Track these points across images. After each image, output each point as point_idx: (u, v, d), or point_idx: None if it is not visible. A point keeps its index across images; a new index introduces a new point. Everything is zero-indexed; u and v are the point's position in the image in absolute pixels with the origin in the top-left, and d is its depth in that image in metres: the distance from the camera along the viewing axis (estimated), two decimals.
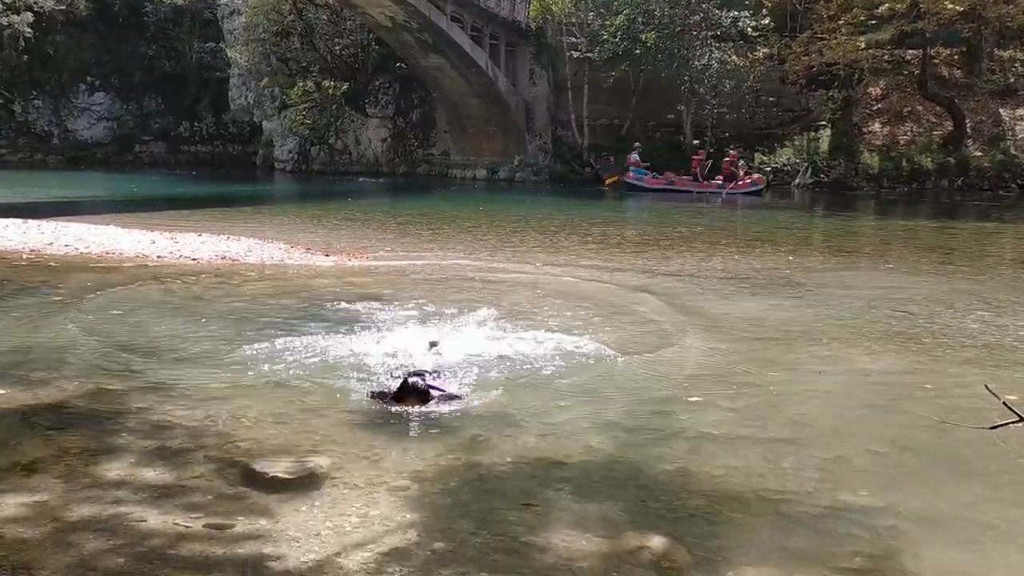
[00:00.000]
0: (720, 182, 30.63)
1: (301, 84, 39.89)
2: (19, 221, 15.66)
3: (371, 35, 38.65)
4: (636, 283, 11.23)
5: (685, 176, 31.75)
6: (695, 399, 6.11)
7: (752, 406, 5.98)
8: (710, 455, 5.02)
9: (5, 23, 42.15)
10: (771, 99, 36.43)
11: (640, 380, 6.60)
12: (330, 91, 39.85)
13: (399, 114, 41.46)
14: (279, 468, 4.61)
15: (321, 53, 40.96)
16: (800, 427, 5.57)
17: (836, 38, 32.53)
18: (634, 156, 32.96)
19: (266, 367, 6.64)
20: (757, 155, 34.75)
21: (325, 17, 40.40)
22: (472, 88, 36.62)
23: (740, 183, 30.57)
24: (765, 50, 34.99)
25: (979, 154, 32.64)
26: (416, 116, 41.47)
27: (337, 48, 40.84)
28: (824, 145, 34.57)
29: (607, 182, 33.31)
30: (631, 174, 32.07)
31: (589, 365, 6.94)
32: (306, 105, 39.97)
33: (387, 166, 40.87)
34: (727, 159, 31.37)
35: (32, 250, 12.85)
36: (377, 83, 41.29)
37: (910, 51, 34.94)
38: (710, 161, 31.91)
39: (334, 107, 40.26)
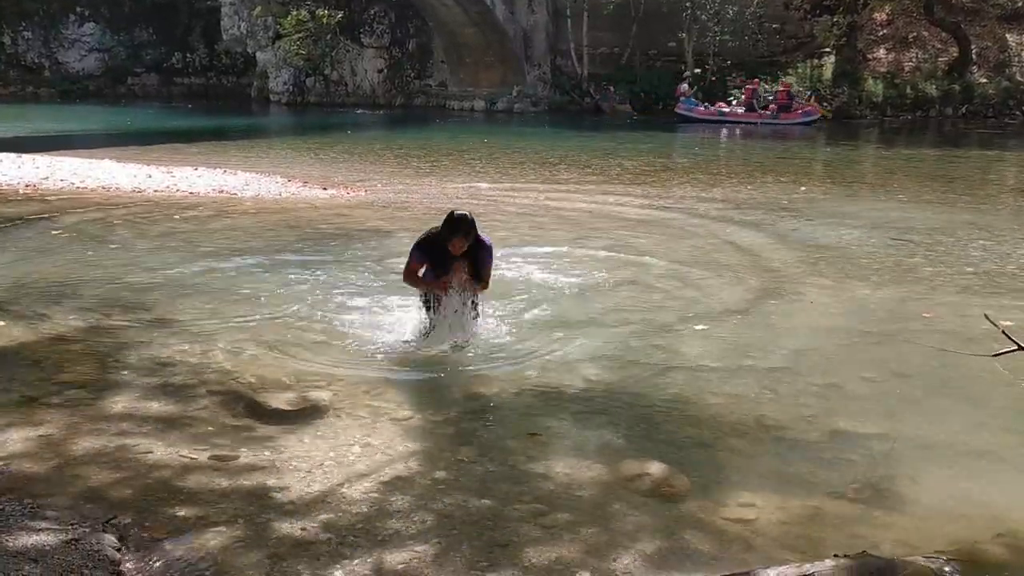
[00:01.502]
0: (774, 111, 29.66)
1: (295, 13, 38.99)
2: (13, 155, 15.51)
3: None
4: (638, 215, 11.19)
5: (737, 107, 30.77)
6: (699, 328, 6.13)
7: (749, 335, 6.00)
8: (709, 384, 5.05)
9: None
10: (775, 26, 35.71)
11: (643, 310, 6.61)
12: (324, 20, 38.98)
13: (395, 44, 40.70)
14: (281, 400, 4.65)
15: None
16: (797, 356, 5.60)
17: None
18: (684, 86, 31.95)
19: (265, 301, 6.64)
20: (762, 84, 34.20)
21: None
22: (469, 16, 35.86)
23: (794, 112, 29.59)
24: None
25: (984, 81, 32.16)
26: (412, 46, 40.72)
27: None
28: (827, 73, 34.03)
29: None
30: (681, 105, 31.09)
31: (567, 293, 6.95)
32: (300, 35, 39.15)
33: (384, 97, 40.29)
34: (782, 88, 30.30)
35: (28, 185, 12.76)
36: (372, 12, 40.43)
37: None
38: (764, 92, 30.83)
39: (329, 37, 39.45)
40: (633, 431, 4.41)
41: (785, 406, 4.73)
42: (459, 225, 5.22)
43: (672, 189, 13.86)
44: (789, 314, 6.58)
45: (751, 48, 35.53)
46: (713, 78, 35.36)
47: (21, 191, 12.29)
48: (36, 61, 45.44)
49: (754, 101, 30.34)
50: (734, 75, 34.97)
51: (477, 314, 5.63)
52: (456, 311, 5.45)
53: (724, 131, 27.68)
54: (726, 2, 34.47)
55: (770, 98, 30.41)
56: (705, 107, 31.10)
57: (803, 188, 14.01)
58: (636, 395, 4.89)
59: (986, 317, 4.33)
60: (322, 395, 4.73)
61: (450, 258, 5.29)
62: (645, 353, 5.62)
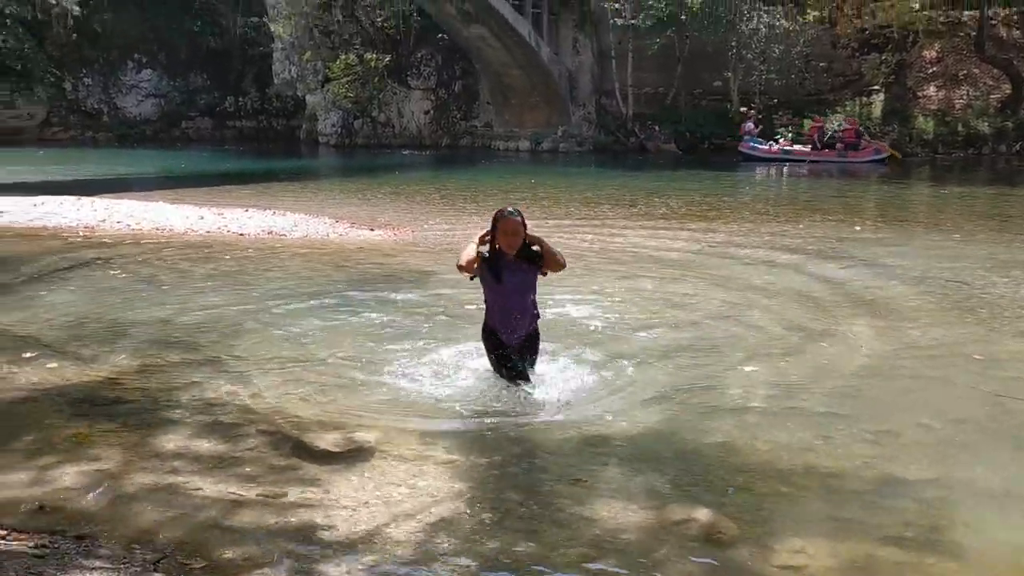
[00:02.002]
0: (841, 150, 28.98)
1: (343, 57, 39.98)
2: (73, 198, 16.02)
3: (413, 5, 38.54)
4: (684, 255, 11.14)
5: (802, 145, 30.15)
6: (747, 369, 6.06)
7: (798, 378, 5.90)
8: (757, 427, 4.98)
9: (53, 2, 42.82)
10: (821, 64, 35.60)
11: (689, 351, 6.55)
12: (372, 63, 39.88)
13: (441, 86, 41.38)
14: (328, 441, 4.68)
15: (363, 25, 40.95)
16: (848, 399, 5.49)
17: (890, 0, 31.63)
18: (748, 124, 31.55)
19: (313, 342, 6.73)
20: (807, 121, 34.06)
21: None
22: (514, 58, 36.37)
23: (864, 151, 28.88)
24: (815, 13, 34.15)
25: None
26: (458, 87, 41.37)
27: (379, 20, 40.80)
28: (877, 110, 33.74)
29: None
30: (746, 143, 30.70)
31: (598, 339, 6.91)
32: (349, 78, 40.06)
33: (430, 138, 40.89)
34: (849, 126, 29.66)
35: (86, 227, 13.15)
36: (419, 55, 41.23)
37: (966, 12, 33.83)
38: (829, 130, 30.13)
39: (376, 80, 40.30)
40: (680, 476, 4.36)
41: (836, 450, 4.64)
42: (508, 215, 5.22)
43: (718, 229, 13.79)
44: (839, 356, 6.47)
45: (798, 86, 35.42)
46: (760, 116, 35.28)
47: (80, 233, 12.67)
48: (95, 106, 47.13)
49: (819, 139, 29.68)
50: (780, 113, 34.88)
51: (537, 314, 5.54)
52: (517, 316, 5.37)
53: (785, 169, 27.29)
54: (772, 41, 34.49)
55: (837, 136, 29.71)
56: (769, 145, 30.62)
57: (858, 228, 13.80)
58: (683, 439, 4.83)
59: None
60: (368, 436, 4.76)
61: (505, 263, 5.25)
62: (691, 396, 5.56)
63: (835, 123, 30.88)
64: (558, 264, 5.29)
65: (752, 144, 30.65)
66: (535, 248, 5.26)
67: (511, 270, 5.27)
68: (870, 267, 10.19)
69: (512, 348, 5.42)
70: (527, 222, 5.31)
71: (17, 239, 12.11)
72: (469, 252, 5.26)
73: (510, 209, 5.29)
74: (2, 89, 42.15)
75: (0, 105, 43.24)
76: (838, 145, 29.26)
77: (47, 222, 13.57)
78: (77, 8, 43.25)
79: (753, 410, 5.28)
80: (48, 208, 14.75)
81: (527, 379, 5.44)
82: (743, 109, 33.72)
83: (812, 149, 29.61)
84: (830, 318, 7.63)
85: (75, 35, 44.40)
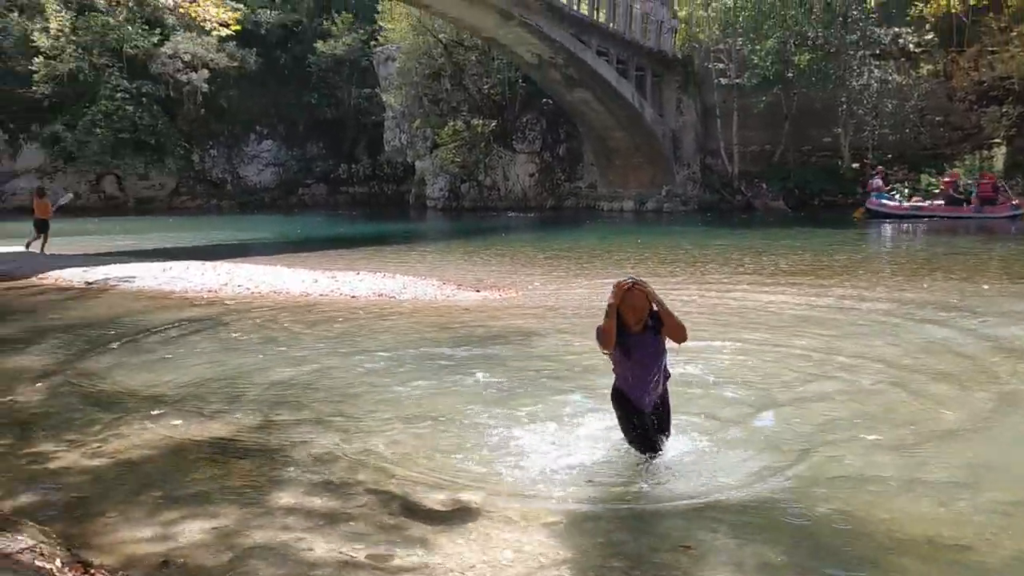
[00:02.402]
0: (977, 205, 27.70)
1: (451, 124, 41.30)
2: (198, 263, 16.92)
3: (518, 73, 39.57)
4: (794, 312, 10.85)
5: (934, 201, 28.91)
6: (869, 437, 5.80)
7: (923, 446, 5.61)
8: (879, 497, 4.74)
9: (185, 80, 46.00)
10: (938, 118, 34.52)
11: (801, 412, 6.34)
12: (479, 129, 41.04)
13: (546, 148, 42.11)
14: (434, 501, 4.73)
15: (470, 93, 42.27)
16: (979, 469, 5.18)
17: (1008, 51, 30.55)
18: (877, 181, 30.49)
19: (422, 401, 6.84)
20: (924, 176, 32.95)
21: (474, 58, 41.75)
22: (618, 120, 36.72)
23: (1001, 206, 27.42)
24: (929, 67, 33.27)
25: None
26: (563, 150, 42.00)
27: (485, 87, 42.05)
28: (999, 164, 32.37)
29: (856, 214, 29.76)
30: (874, 200, 29.69)
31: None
32: (456, 144, 41.30)
33: (535, 200, 41.49)
34: (986, 180, 28.30)
35: (210, 290, 13.85)
36: (524, 119, 42.16)
37: None
38: (964, 184, 28.92)
39: (483, 144, 41.39)
40: (795, 548, 4.18)
41: (962, 524, 4.37)
42: (631, 288, 5.02)
43: (830, 287, 13.38)
44: (965, 423, 6.12)
45: (913, 141, 34.41)
46: (873, 172, 34.37)
47: (204, 296, 13.35)
48: (220, 176, 50.06)
49: (954, 193, 28.40)
50: (895, 168, 33.89)
51: (668, 374, 5.36)
52: (650, 382, 5.19)
53: (914, 226, 26.34)
54: (884, 96, 33.70)
55: (973, 190, 28.31)
56: (899, 201, 29.56)
57: (986, 286, 13.14)
58: (799, 508, 4.65)
59: None
60: (474, 497, 4.78)
61: (633, 337, 5.09)
62: (808, 461, 5.36)
63: (964, 178, 29.58)
64: (679, 336, 5.09)
65: (881, 200, 29.50)
66: (654, 308, 5.10)
67: (640, 344, 5.11)
68: (996, 327, 9.66)
69: (646, 414, 5.27)
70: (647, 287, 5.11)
71: (147, 302, 12.86)
72: (609, 331, 5.05)
73: (632, 280, 5.07)
74: (137, 162, 45.31)
75: (135, 177, 46.49)
76: (973, 200, 27.81)
77: (174, 286, 14.35)
78: (206, 86, 46.35)
79: (874, 478, 5.04)
80: (175, 273, 15.62)
81: (656, 450, 5.25)
82: (871, 164, 32.61)
83: (946, 204, 28.19)
84: (953, 381, 7.26)
85: (203, 110, 47.46)
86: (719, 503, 4.70)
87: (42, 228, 20.19)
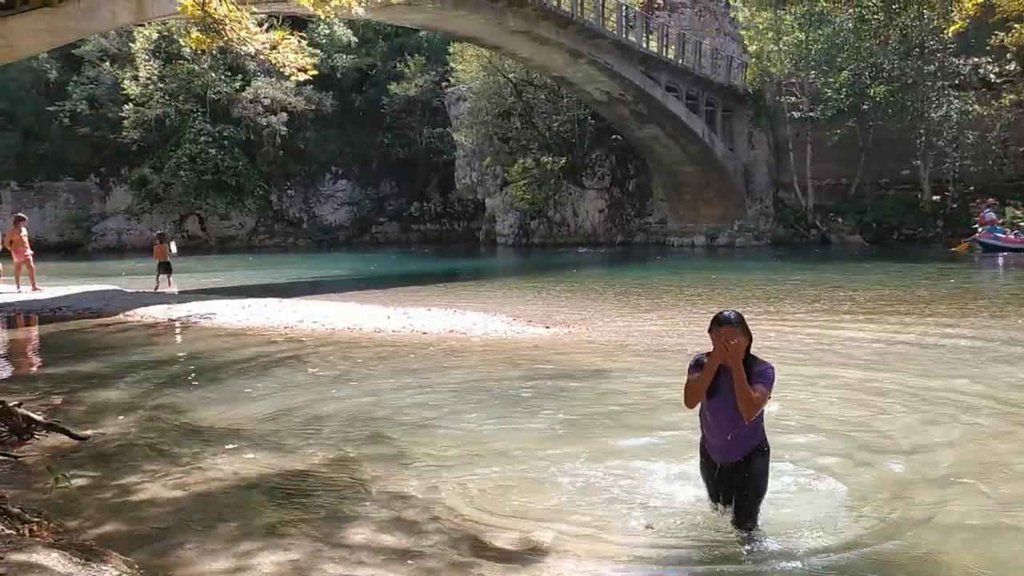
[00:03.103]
0: None
1: (521, 161, 41.68)
2: (275, 300, 17.36)
3: (587, 110, 39.79)
4: (874, 350, 10.55)
5: None
6: (952, 477, 5.59)
7: (1013, 486, 5.37)
8: (967, 542, 4.55)
9: (264, 123, 47.59)
10: (1021, 148, 33.40)
11: (890, 452, 6.14)
12: (548, 166, 41.30)
13: (615, 184, 42.10)
14: (504, 540, 4.71)
15: (540, 130, 42.66)
16: None
17: None
18: (989, 213, 29.45)
19: (492, 438, 6.86)
20: (1009, 208, 31.81)
21: (543, 96, 42.15)
22: (688, 155, 36.54)
23: None
24: (1012, 96, 32.25)
25: None
26: (632, 186, 41.93)
27: (554, 125, 42.38)
28: None
29: (960, 248, 28.90)
30: (986, 232, 28.48)
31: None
32: (526, 181, 41.62)
33: (604, 236, 41.43)
34: None
35: (286, 327, 14.18)
36: (593, 156, 42.29)
37: None
38: None
39: (552, 181, 41.62)
40: None
41: None
42: (723, 319, 4.54)
43: (910, 324, 12.98)
44: None
45: (996, 172, 33.32)
46: (954, 204, 33.44)
47: (281, 332, 13.67)
48: (296, 215, 51.42)
49: None
50: (978, 201, 32.83)
51: (761, 439, 4.72)
52: (728, 435, 4.64)
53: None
54: (965, 127, 32.77)
55: None
56: (1016, 235, 28.29)
57: None
58: (884, 556, 4.49)
59: None
60: (545, 536, 4.75)
61: (723, 376, 4.56)
62: (891, 506, 5.18)
63: None
64: (748, 406, 4.46)
65: (996, 234, 28.22)
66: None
67: (727, 387, 4.56)
68: None
69: (722, 468, 4.75)
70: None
71: (227, 338, 13.23)
72: (697, 392, 4.65)
73: (726, 313, 4.61)
74: (219, 203, 46.90)
75: (216, 216, 48.11)
76: None
77: (252, 322, 14.74)
78: (284, 128, 47.85)
79: (963, 525, 4.84)
80: (253, 310, 16.05)
81: (719, 501, 4.84)
82: (983, 199, 31.34)
83: None
84: None
85: (281, 152, 48.96)
86: (798, 549, 4.57)
87: (163, 269, 22.21)
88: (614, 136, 40.47)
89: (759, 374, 4.53)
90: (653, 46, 34.50)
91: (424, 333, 13.11)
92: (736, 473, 4.68)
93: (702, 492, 5.03)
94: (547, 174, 41.48)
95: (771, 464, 4.83)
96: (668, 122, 34.66)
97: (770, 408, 7.35)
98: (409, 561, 4.48)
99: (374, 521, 5.09)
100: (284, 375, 9.98)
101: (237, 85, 47.10)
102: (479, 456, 6.39)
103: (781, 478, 5.47)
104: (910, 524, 4.87)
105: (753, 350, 4.65)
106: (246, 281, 24.98)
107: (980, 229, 28.65)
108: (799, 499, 5.30)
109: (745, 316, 4.67)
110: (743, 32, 36.60)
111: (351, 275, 28.04)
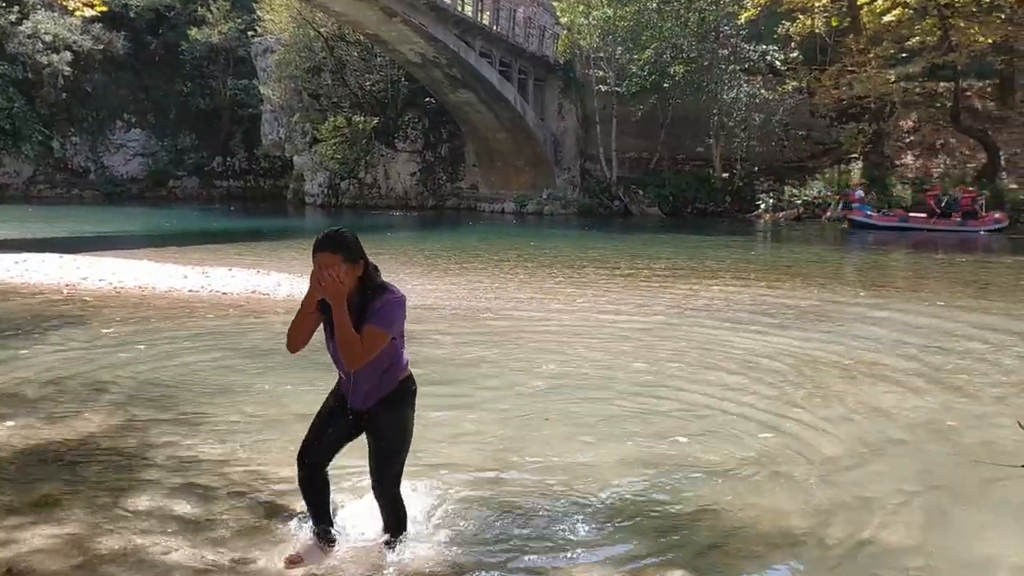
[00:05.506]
0: (959, 219, 28.35)
1: (332, 119, 40.57)
2: (56, 256, 15.99)
3: (401, 71, 39.29)
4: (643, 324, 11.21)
5: (919, 213, 29.35)
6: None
7: (774, 443, 5.90)
8: (736, 491, 4.95)
9: (45, 62, 43.38)
10: (801, 132, 36.49)
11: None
12: (360, 126, 40.48)
13: (428, 148, 41.98)
14: (302, 504, 4.61)
15: (352, 89, 41.67)
16: (828, 465, 5.48)
17: (866, 71, 32.54)
18: (859, 192, 31.01)
19: (293, 400, 6.68)
20: (787, 188, 34.75)
21: (356, 54, 41.16)
22: (501, 122, 37.01)
23: (984, 220, 28.33)
24: (794, 83, 35.09)
25: (1014, 187, 32.30)
26: (445, 150, 41.97)
27: (367, 84, 41.54)
28: (855, 178, 34.46)
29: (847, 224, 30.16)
30: (858, 211, 29.80)
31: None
32: (336, 140, 40.60)
33: (416, 200, 41.29)
34: (967, 195, 29.13)
35: (68, 284, 13.10)
36: (406, 118, 41.90)
37: (942, 83, 34.85)
38: (946, 197, 29.42)
39: (364, 142, 40.86)
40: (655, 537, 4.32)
41: (810, 516, 4.62)
42: (317, 243, 3.73)
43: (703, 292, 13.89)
44: (815, 424, 6.47)
45: (779, 153, 36.20)
46: (741, 183, 35.97)
47: (63, 291, 12.61)
48: (83, 165, 47.38)
49: (933, 207, 28.95)
50: (762, 180, 35.61)
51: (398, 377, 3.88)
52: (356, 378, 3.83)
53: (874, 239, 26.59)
54: (753, 109, 35.29)
55: (954, 204, 29.00)
56: (883, 213, 29.87)
57: (863, 293, 13.90)
58: (658, 499, 4.81)
59: (1020, 425, 4.25)
60: (344, 496, 4.70)
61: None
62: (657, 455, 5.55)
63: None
64: (347, 350, 3.67)
65: (867, 212, 29.70)
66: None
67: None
68: (848, 331, 10.25)
69: (356, 413, 3.94)
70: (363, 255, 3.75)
71: None
72: (290, 328, 3.86)
73: (321, 236, 3.76)
74: None
75: None
76: (954, 215, 28.64)
77: (28, 279, 13.51)
78: (68, 69, 43.79)
79: (731, 474, 5.26)
80: (30, 265, 14.71)
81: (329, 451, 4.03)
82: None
83: (929, 217, 28.90)
84: (808, 382, 7.66)
85: (65, 95, 44.86)
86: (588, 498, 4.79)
87: None
88: (428, 99, 40.26)
89: (374, 310, 3.69)
90: (468, 11, 34.47)
91: (224, 294, 12.55)
92: (368, 423, 3.94)
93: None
94: (359, 134, 40.65)
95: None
96: (482, 88, 34.88)
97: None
98: (200, 528, 4.29)
99: (163, 488, 4.83)
100: (65, 336, 9.23)
101: (13, 18, 42.57)
102: (278, 420, 6.21)
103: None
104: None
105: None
106: (23, 234, 22.80)
107: (853, 207, 30.20)
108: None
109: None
110: (555, 4, 37.36)
111: (145, 231, 26.31)
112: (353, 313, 3.67)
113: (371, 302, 3.71)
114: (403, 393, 3.91)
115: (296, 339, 3.84)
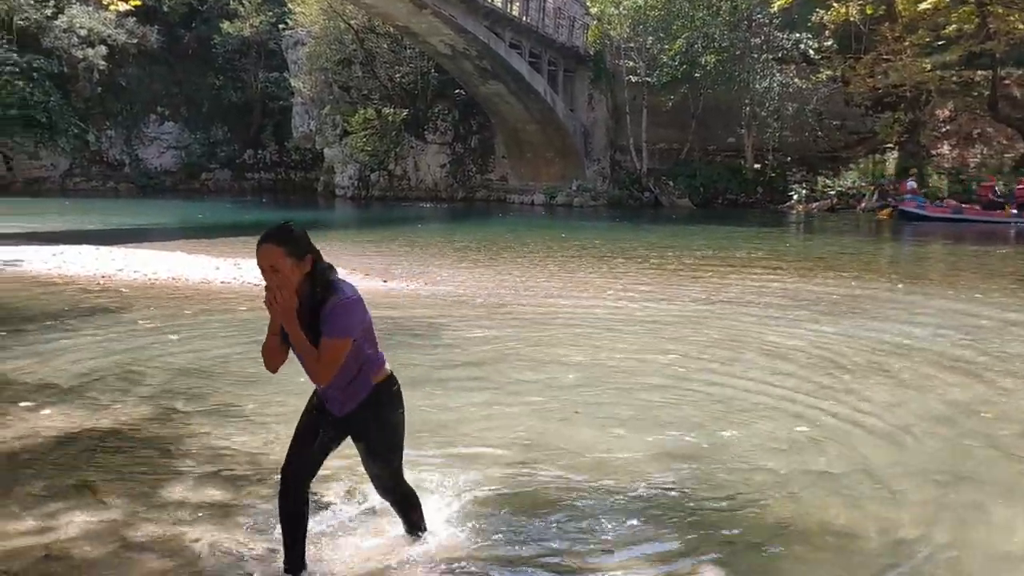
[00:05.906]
0: (1016, 211, 27.58)
1: (362, 111, 40.73)
2: (92, 248, 16.23)
3: (431, 63, 39.31)
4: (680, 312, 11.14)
5: (973, 205, 28.64)
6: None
7: (810, 436, 5.84)
8: (772, 487, 4.90)
9: (80, 56, 43.97)
10: (835, 122, 35.96)
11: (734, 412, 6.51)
12: (390, 118, 40.60)
13: (458, 140, 41.99)
14: (332, 493, 4.65)
15: (382, 81, 41.77)
16: (864, 459, 5.41)
17: (901, 59, 32.01)
18: (911, 183, 30.26)
19: None
20: (821, 178, 34.31)
21: (386, 46, 41.24)
22: (530, 114, 36.90)
23: None
24: (828, 72, 34.59)
25: None
26: (474, 142, 41.95)
27: (397, 76, 41.62)
28: (890, 168, 33.96)
29: (881, 214, 29.77)
30: (910, 202, 29.09)
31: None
32: (366, 132, 40.76)
33: (445, 192, 41.36)
34: (1021, 186, 28.41)
35: (104, 276, 13.29)
36: (436, 110, 41.93)
37: (979, 72, 34.14)
38: (1002, 187, 28.76)
39: (394, 134, 40.98)
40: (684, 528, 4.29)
41: (849, 511, 4.55)
42: (260, 240, 3.44)
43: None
44: (850, 417, 6.38)
45: (812, 143, 35.72)
46: (773, 173, 35.59)
47: (98, 282, 12.80)
48: (117, 158, 48.03)
49: (990, 199, 28.39)
50: (795, 170, 35.20)
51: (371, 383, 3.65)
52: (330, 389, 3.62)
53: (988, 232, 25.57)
54: (785, 99, 34.83)
55: (1010, 197, 28.39)
56: (936, 204, 29.11)
57: (900, 285, 13.70)
58: (692, 493, 4.78)
59: None
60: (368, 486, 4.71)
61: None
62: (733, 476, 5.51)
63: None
64: (315, 368, 3.55)
65: (920, 203, 28.96)
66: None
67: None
68: (881, 323, 10.11)
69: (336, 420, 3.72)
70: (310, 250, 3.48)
71: (36, 287, 12.25)
72: (263, 351, 3.69)
73: (268, 231, 3.48)
74: (27, 140, 43.06)
75: (25, 156, 44.15)
76: (1009, 206, 27.91)
77: (65, 270, 13.72)
78: (103, 63, 44.39)
79: (769, 469, 5.21)
80: (67, 257, 14.94)
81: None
82: (913, 170, 32.05)
83: (984, 209, 28.23)
84: (836, 371, 7.57)
85: (100, 88, 45.46)
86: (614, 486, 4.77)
87: None
88: (457, 91, 40.26)
89: (325, 318, 3.43)
90: (498, 2, 34.40)
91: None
92: (351, 429, 3.74)
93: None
94: (388, 126, 40.77)
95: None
96: (511, 79, 34.80)
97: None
98: (234, 516, 4.34)
99: (196, 477, 4.89)
100: (101, 327, 9.37)
101: (48, 12, 43.18)
102: None
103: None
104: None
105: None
106: (60, 227, 23.17)
107: (905, 198, 29.56)
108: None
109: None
110: None
111: (178, 223, 26.60)
112: (304, 318, 3.41)
113: (322, 306, 3.42)
114: (381, 396, 3.67)
115: (270, 363, 3.66)
